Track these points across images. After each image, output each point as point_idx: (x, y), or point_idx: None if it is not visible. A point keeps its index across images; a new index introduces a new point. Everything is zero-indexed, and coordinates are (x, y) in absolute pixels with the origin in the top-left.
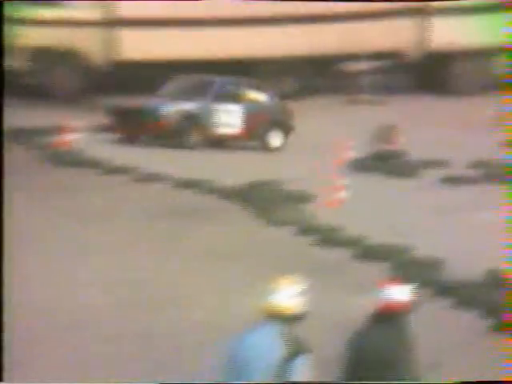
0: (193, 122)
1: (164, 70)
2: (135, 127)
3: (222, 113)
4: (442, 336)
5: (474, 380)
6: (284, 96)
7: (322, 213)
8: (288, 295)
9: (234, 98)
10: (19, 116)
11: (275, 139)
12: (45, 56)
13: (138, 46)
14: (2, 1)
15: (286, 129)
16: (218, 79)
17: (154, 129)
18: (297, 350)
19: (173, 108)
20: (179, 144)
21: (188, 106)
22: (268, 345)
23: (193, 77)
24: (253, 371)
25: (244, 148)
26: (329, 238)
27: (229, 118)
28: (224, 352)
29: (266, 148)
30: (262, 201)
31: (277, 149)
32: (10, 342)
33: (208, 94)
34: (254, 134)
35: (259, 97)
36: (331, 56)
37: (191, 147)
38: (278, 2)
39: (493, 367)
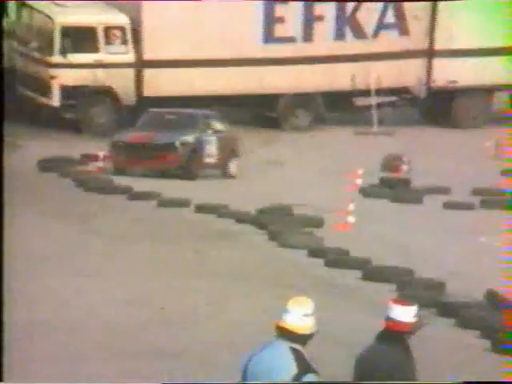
0: (195, 153)
1: (183, 104)
2: (146, 160)
3: (207, 143)
4: (442, 356)
5: (474, 380)
6: (298, 127)
7: (331, 236)
8: (299, 315)
9: (210, 129)
10: (54, 147)
11: (234, 166)
12: (82, 94)
13: (160, 84)
14: (1, 1)
15: (238, 156)
16: (200, 112)
17: (169, 161)
18: (306, 368)
19: (178, 141)
20: (184, 175)
21: (189, 138)
22: (278, 362)
23: (170, 111)
24: None
25: (213, 176)
26: (338, 260)
27: (210, 148)
28: (238, 368)
29: (227, 176)
30: (276, 225)
31: (234, 176)
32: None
33: (197, 126)
34: (223, 163)
35: (222, 126)
36: (345, 92)
37: (194, 178)
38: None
39: None
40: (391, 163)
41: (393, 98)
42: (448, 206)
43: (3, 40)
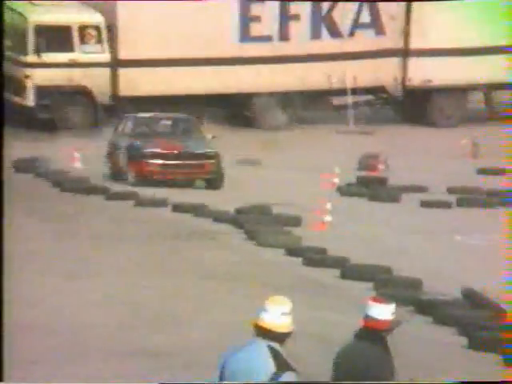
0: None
1: (160, 104)
2: (185, 170)
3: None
4: (419, 353)
5: (474, 380)
6: (275, 126)
7: (309, 235)
8: (277, 314)
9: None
10: (30, 147)
11: None
12: (57, 94)
13: (136, 83)
14: (1, 0)
15: None
16: (189, 117)
17: (206, 170)
18: (284, 367)
19: (211, 150)
20: (214, 184)
21: (193, 145)
22: (257, 361)
23: (157, 116)
24: None
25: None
26: (315, 259)
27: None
28: (216, 367)
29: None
30: (254, 224)
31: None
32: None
33: (192, 133)
34: None
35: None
36: (321, 91)
37: (220, 187)
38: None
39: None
40: (368, 162)
41: (369, 97)
42: (425, 204)
43: (3, 40)
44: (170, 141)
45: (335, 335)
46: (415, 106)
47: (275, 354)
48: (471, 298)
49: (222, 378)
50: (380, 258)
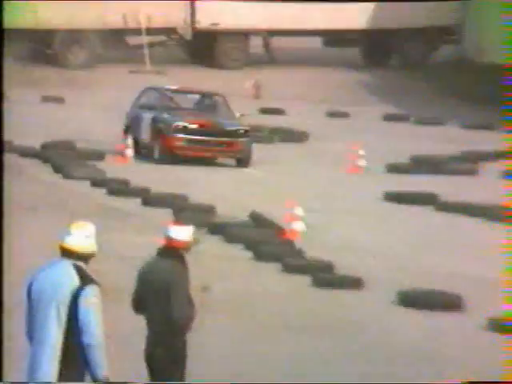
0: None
1: None
2: (217, 147)
3: None
4: (213, 267)
5: (474, 380)
6: (75, 64)
7: (112, 168)
8: (81, 236)
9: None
10: None
11: None
12: None
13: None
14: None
15: None
16: (218, 93)
17: (237, 148)
18: (88, 281)
19: (242, 127)
20: (243, 162)
21: (223, 122)
22: (62, 277)
23: (185, 88)
24: (48, 300)
25: None
26: (119, 189)
27: None
28: (24, 285)
29: None
30: (59, 159)
31: None
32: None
33: (221, 108)
34: None
35: None
36: (117, 30)
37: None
38: None
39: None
40: None
41: (162, 38)
42: None
43: (3, 40)
44: (198, 116)
45: (138, 253)
46: (204, 48)
47: (79, 271)
48: (256, 219)
49: (29, 296)
50: (178, 188)
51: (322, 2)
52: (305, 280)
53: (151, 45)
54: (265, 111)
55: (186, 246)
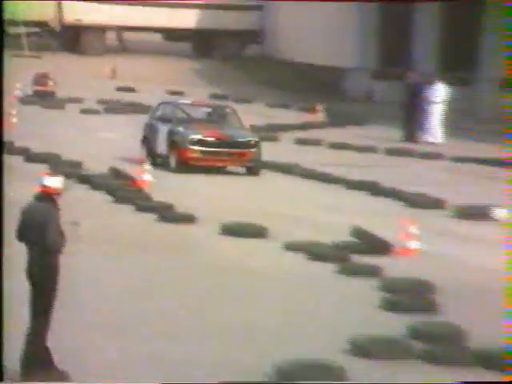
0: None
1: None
2: (228, 157)
3: None
4: (80, 208)
5: (474, 380)
6: None
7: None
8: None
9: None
10: None
11: None
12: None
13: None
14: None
15: None
16: (228, 106)
17: (248, 158)
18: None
19: (253, 138)
20: (253, 171)
21: (235, 133)
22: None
23: (199, 103)
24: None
25: None
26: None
27: None
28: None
29: None
30: None
31: None
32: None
33: (231, 121)
34: None
35: None
36: None
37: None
38: None
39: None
40: (40, 80)
41: (37, 30)
42: (83, 111)
43: (3, 40)
44: (211, 128)
45: (20, 201)
46: (71, 38)
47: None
48: (114, 172)
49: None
50: (54, 148)
51: (163, 6)
52: (152, 216)
53: (28, 35)
54: (120, 89)
55: (58, 192)
